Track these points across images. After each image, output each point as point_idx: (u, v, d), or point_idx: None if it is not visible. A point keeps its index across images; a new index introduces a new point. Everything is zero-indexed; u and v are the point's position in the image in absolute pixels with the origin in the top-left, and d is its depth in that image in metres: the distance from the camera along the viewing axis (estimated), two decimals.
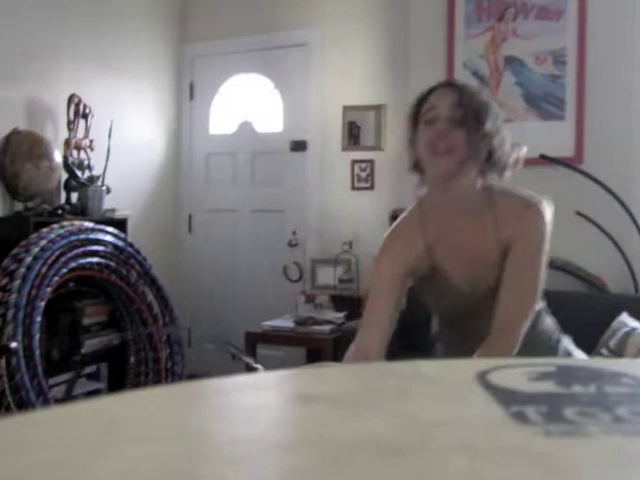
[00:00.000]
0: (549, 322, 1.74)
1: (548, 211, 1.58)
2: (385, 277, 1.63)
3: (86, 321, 3.44)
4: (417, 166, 1.63)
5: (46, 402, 2.87)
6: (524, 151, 1.64)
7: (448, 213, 1.63)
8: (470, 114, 1.51)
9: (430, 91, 1.58)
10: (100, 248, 3.33)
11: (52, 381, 3.15)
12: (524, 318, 1.56)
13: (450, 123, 1.51)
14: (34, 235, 3.06)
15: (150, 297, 3.59)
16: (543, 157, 3.32)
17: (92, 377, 3.57)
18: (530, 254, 1.57)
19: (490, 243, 1.59)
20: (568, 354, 1.72)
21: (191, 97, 4.66)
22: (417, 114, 1.57)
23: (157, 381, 3.58)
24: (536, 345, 1.65)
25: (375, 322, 1.63)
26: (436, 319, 1.83)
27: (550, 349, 1.70)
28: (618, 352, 2.76)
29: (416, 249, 1.63)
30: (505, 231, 1.58)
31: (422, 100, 1.58)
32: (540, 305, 1.71)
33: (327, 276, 4.04)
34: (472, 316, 1.64)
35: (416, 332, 3.42)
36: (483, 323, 1.55)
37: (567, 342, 1.74)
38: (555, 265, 3.41)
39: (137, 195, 4.24)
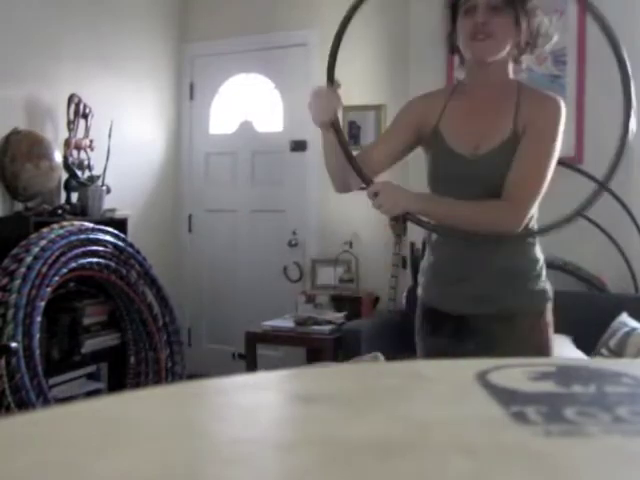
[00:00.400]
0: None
1: (564, 110, 1.63)
2: (399, 119, 1.78)
3: (86, 321, 3.44)
4: (457, 51, 1.72)
5: (46, 402, 2.87)
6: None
7: (475, 92, 1.70)
8: (511, 1, 1.59)
9: None
10: (100, 248, 3.33)
11: (52, 381, 3.16)
12: (532, 197, 1.61)
13: (489, 10, 1.58)
14: (34, 235, 3.06)
15: (150, 297, 3.59)
16: None
17: (92, 377, 3.58)
18: (544, 139, 1.61)
19: (505, 122, 1.64)
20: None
21: (191, 97, 4.66)
22: (456, 4, 1.65)
23: (157, 381, 3.58)
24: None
25: (380, 141, 1.86)
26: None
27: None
28: (618, 352, 2.76)
29: (433, 110, 1.72)
30: (523, 114, 1.63)
31: None
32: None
33: (327, 276, 4.04)
34: (466, 196, 1.63)
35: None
36: None
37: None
38: (555, 265, 3.41)
39: (137, 195, 4.24)
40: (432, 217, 1.64)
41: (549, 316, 1.69)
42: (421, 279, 1.80)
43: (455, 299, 1.69)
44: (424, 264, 1.80)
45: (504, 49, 1.62)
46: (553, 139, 1.60)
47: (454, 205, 1.61)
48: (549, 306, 1.70)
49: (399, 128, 1.77)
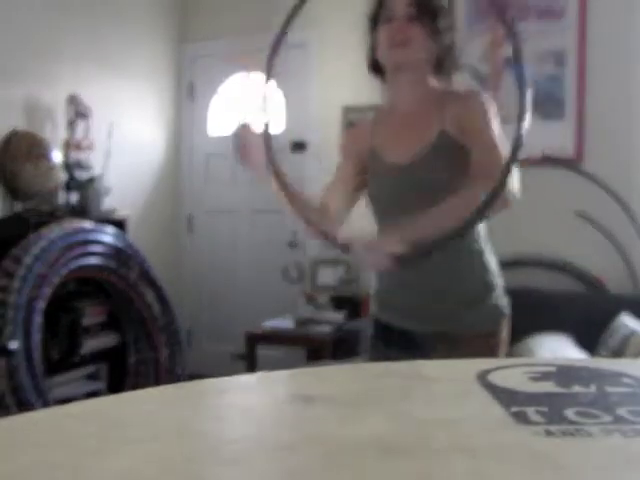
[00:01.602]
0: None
1: (486, 96, 1.64)
2: (340, 166, 1.80)
3: (86, 321, 3.44)
4: (376, 69, 1.76)
5: (46, 402, 2.87)
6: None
7: (398, 105, 1.73)
8: (425, 12, 1.63)
9: None
10: (100, 248, 3.32)
11: (52, 381, 3.15)
12: (495, 166, 1.47)
13: (406, 19, 1.63)
14: (34, 235, 3.05)
15: (150, 297, 3.59)
16: (543, 157, 3.32)
17: (92, 377, 3.57)
18: (482, 120, 1.57)
19: (433, 125, 1.63)
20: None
21: (191, 97, 4.66)
22: (376, 18, 1.70)
23: (157, 381, 3.58)
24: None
25: (334, 188, 1.80)
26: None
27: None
28: (618, 352, 2.76)
29: (363, 134, 1.77)
30: (450, 113, 1.62)
31: (379, 4, 1.70)
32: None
33: (327, 276, 4.04)
34: (406, 208, 1.59)
35: None
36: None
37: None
38: (555, 265, 3.41)
39: (137, 195, 4.24)
40: (428, 237, 1.49)
41: (504, 333, 1.68)
42: (373, 304, 1.83)
43: (406, 320, 1.70)
44: (373, 290, 1.83)
45: (419, 56, 1.64)
46: (490, 119, 1.58)
47: (441, 215, 1.50)
48: (504, 322, 1.68)
49: (344, 170, 1.79)
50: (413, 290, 1.69)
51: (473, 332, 1.64)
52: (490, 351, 1.62)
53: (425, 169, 1.61)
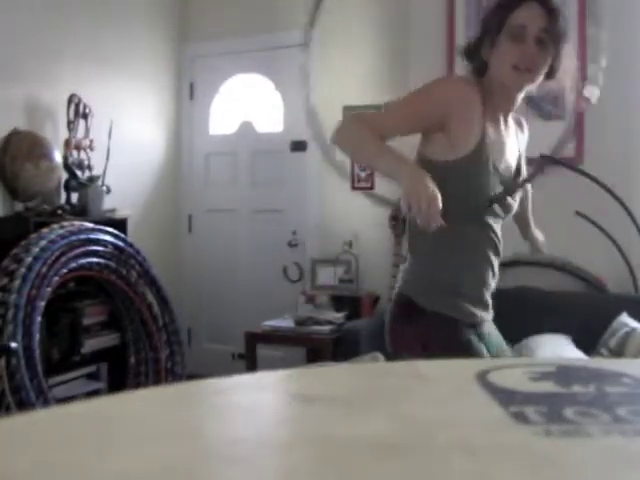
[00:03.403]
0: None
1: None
2: (430, 103, 1.66)
3: (86, 321, 3.44)
4: (475, 60, 1.73)
5: (46, 402, 2.87)
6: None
7: (499, 113, 1.73)
8: (554, 39, 1.64)
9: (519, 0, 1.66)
10: (100, 248, 3.33)
11: (52, 381, 3.15)
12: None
13: (537, 42, 1.62)
14: (34, 235, 3.05)
15: (150, 297, 3.59)
16: (543, 157, 3.32)
17: (92, 377, 3.57)
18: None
19: (515, 144, 1.78)
20: None
21: (191, 97, 4.66)
22: (503, 20, 1.65)
23: (157, 381, 3.58)
24: None
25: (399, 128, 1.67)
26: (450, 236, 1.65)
27: None
28: (618, 352, 2.76)
29: (476, 117, 1.65)
30: (524, 136, 1.85)
31: (512, 5, 1.65)
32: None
33: (327, 276, 4.04)
34: (498, 222, 1.73)
35: None
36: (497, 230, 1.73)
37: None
38: (555, 265, 3.41)
39: (137, 195, 4.24)
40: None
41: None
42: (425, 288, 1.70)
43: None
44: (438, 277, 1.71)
45: (538, 81, 1.68)
46: None
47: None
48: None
49: (424, 119, 1.66)
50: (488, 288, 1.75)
51: None
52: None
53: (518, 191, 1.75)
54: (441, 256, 1.69)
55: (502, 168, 1.70)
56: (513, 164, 1.75)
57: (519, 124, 1.85)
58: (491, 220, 1.70)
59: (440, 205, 1.42)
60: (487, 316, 1.73)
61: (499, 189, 1.67)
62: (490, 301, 1.74)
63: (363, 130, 1.60)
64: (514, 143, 1.78)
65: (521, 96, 1.72)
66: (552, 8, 1.64)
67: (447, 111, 1.62)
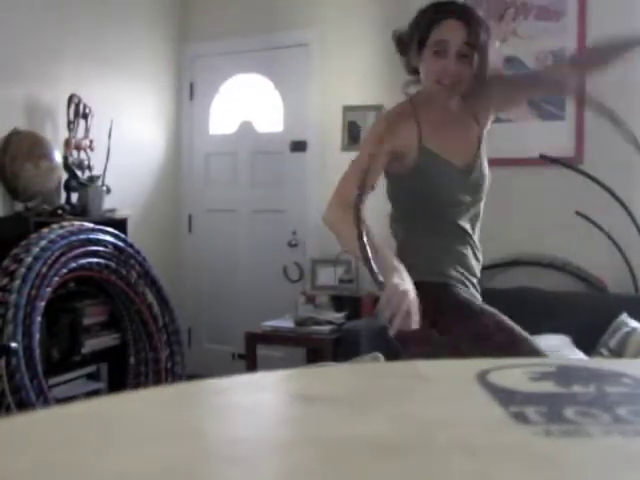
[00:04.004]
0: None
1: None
2: (375, 149, 1.72)
3: (86, 321, 3.44)
4: (411, 69, 1.83)
5: (46, 402, 2.87)
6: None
7: (437, 113, 1.80)
8: (477, 49, 1.69)
9: (438, 15, 1.71)
10: (100, 248, 3.33)
11: (52, 381, 3.15)
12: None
13: (458, 58, 1.68)
14: (34, 235, 3.05)
15: (150, 297, 3.59)
16: (543, 157, 3.32)
17: (92, 377, 3.57)
18: None
19: (473, 133, 1.84)
20: None
21: (191, 97, 4.66)
22: (425, 35, 1.72)
23: (157, 381, 3.58)
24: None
25: (355, 179, 1.66)
26: (419, 225, 1.81)
27: None
28: (618, 352, 2.76)
29: (409, 132, 1.75)
30: (483, 119, 1.86)
31: (431, 23, 1.72)
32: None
33: (327, 276, 4.04)
34: (468, 208, 1.79)
35: None
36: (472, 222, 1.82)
37: None
38: (555, 265, 3.41)
39: (137, 195, 4.24)
40: None
41: None
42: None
43: None
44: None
45: (463, 91, 1.75)
46: None
47: None
48: None
49: (379, 159, 1.72)
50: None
51: None
52: None
53: (480, 174, 1.80)
54: (417, 241, 1.81)
55: (457, 162, 1.77)
56: (471, 154, 1.81)
57: (474, 115, 1.87)
58: (458, 211, 1.79)
59: (416, 320, 1.44)
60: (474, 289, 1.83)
61: (459, 181, 1.76)
62: (476, 283, 1.85)
63: (345, 228, 1.58)
64: (467, 135, 1.83)
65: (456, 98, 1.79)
66: (470, 19, 1.69)
67: (389, 142, 1.72)
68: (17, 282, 2.87)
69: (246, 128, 4.51)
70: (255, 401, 0.48)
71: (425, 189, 1.76)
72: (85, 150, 3.66)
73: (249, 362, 3.62)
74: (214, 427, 0.44)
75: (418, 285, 1.54)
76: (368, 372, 0.62)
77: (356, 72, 4.07)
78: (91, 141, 3.68)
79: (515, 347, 1.60)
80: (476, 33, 1.68)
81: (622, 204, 3.19)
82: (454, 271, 1.77)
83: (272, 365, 3.65)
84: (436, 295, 1.71)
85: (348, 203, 1.56)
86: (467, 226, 1.81)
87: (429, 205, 1.78)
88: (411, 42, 1.77)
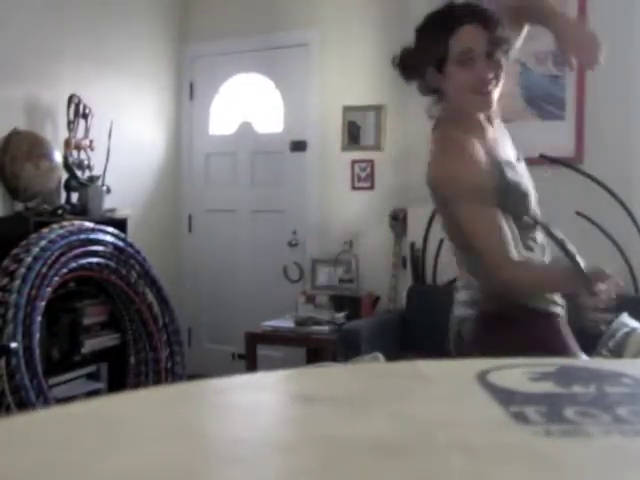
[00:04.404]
0: None
1: None
2: (482, 180, 1.58)
3: (86, 321, 3.44)
4: (431, 90, 1.67)
5: (46, 402, 2.87)
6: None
7: (481, 125, 1.66)
8: (503, 47, 1.59)
9: (450, 24, 1.57)
10: (100, 248, 3.33)
11: (52, 381, 3.15)
12: None
13: (487, 60, 1.56)
14: (34, 235, 3.05)
15: (150, 297, 3.59)
16: (543, 157, 3.32)
17: (92, 377, 3.57)
18: None
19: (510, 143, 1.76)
20: None
21: (191, 97, 4.66)
22: (444, 47, 1.56)
23: (157, 381, 3.58)
24: None
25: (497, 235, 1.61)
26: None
27: None
28: (618, 352, 2.76)
29: (483, 157, 1.60)
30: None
31: (445, 34, 1.56)
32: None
33: (327, 276, 4.04)
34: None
35: (416, 332, 3.42)
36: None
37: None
38: None
39: (137, 195, 4.24)
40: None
41: None
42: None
43: None
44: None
45: (501, 92, 1.62)
46: None
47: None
48: None
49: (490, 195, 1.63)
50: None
51: None
52: None
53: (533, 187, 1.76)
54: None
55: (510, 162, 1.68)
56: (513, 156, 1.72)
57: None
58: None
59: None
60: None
61: (524, 181, 1.68)
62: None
63: (527, 274, 1.69)
64: (507, 138, 1.76)
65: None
66: (484, 18, 1.57)
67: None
68: (17, 282, 2.87)
69: (246, 128, 4.52)
70: (255, 401, 0.48)
71: (520, 202, 1.67)
72: (85, 150, 3.66)
73: (249, 362, 3.62)
74: (214, 427, 0.44)
75: (521, 312, 1.58)
76: (368, 372, 0.62)
77: (356, 72, 4.07)
78: (91, 141, 3.68)
79: None
80: (496, 30, 1.56)
81: (622, 204, 3.19)
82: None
83: (272, 365, 3.65)
84: (541, 331, 1.68)
85: (513, 253, 1.59)
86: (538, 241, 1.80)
87: (520, 220, 1.68)
88: (424, 63, 1.61)
